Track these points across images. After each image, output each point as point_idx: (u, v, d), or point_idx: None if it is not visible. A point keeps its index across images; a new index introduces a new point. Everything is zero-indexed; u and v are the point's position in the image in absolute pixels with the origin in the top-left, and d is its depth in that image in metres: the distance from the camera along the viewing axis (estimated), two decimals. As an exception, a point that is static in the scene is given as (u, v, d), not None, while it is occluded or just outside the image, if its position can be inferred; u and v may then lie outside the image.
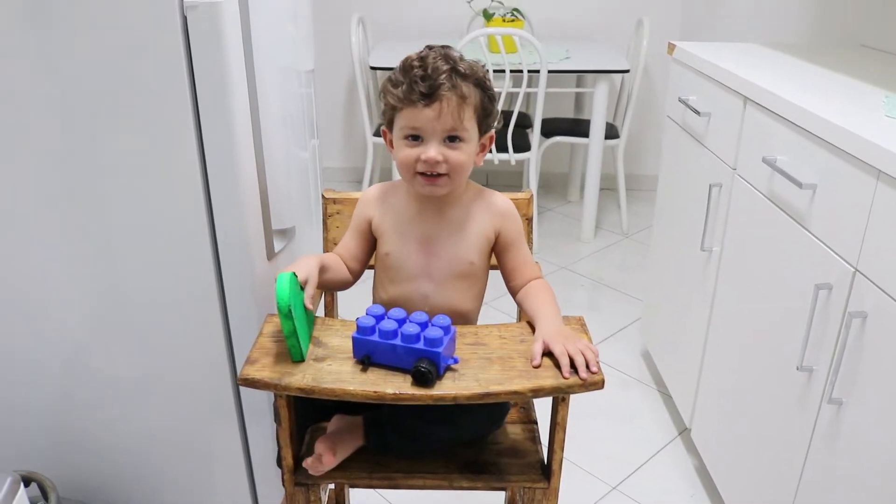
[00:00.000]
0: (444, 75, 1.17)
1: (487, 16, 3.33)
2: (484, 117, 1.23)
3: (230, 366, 1.43)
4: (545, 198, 3.93)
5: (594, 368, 1.10)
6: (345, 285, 1.35)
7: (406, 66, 1.20)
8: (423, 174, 1.21)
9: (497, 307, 2.62)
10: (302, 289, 1.16)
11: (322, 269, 1.23)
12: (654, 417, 2.27)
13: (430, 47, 1.23)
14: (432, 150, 1.19)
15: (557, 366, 1.10)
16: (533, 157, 3.22)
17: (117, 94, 1.24)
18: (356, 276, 1.36)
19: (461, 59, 1.22)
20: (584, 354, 1.10)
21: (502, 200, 1.31)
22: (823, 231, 1.34)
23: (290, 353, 1.12)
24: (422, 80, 1.16)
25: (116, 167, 1.29)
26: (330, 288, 1.37)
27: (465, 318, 1.31)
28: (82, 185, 1.30)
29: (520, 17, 3.37)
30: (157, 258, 1.35)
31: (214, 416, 1.48)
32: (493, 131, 1.27)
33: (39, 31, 1.20)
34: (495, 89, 1.28)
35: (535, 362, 1.11)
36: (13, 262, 1.37)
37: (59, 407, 1.50)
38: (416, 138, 1.20)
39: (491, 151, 3.06)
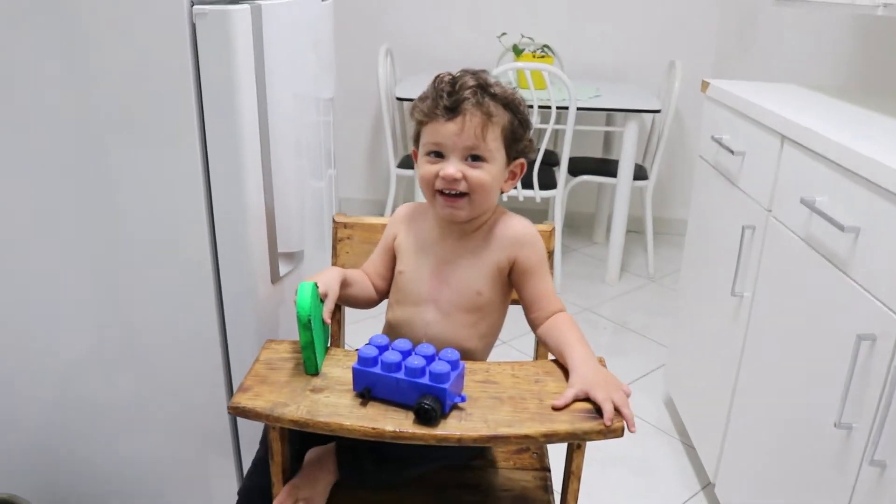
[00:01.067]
0: (469, 90, 1.13)
1: (517, 51, 3.29)
2: (513, 141, 1.17)
3: (227, 392, 1.36)
4: (570, 238, 3.85)
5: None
6: (368, 303, 1.30)
7: (436, 81, 1.17)
8: (442, 193, 1.16)
9: (515, 346, 2.54)
10: (322, 301, 1.12)
11: (344, 284, 1.20)
12: (676, 469, 2.15)
13: (465, 70, 1.18)
14: (451, 167, 1.14)
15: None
16: (559, 196, 3.14)
17: (122, 102, 1.20)
18: (382, 294, 1.31)
19: (496, 82, 1.17)
20: (621, 406, 1.02)
21: (520, 225, 1.23)
22: (867, 277, 1.25)
23: (305, 365, 1.09)
24: (447, 95, 1.13)
25: (117, 177, 1.24)
26: (351, 304, 1.30)
27: (468, 356, 1.22)
28: (79, 199, 1.26)
29: (550, 53, 3.33)
30: (155, 276, 1.29)
31: (209, 442, 1.41)
32: (524, 160, 1.21)
33: (45, 40, 1.16)
34: None
35: (559, 403, 1.02)
36: (11, 279, 1.32)
37: (49, 429, 1.44)
38: (438, 155, 1.16)
39: (516, 188, 3.00)
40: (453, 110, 1.13)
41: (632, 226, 3.62)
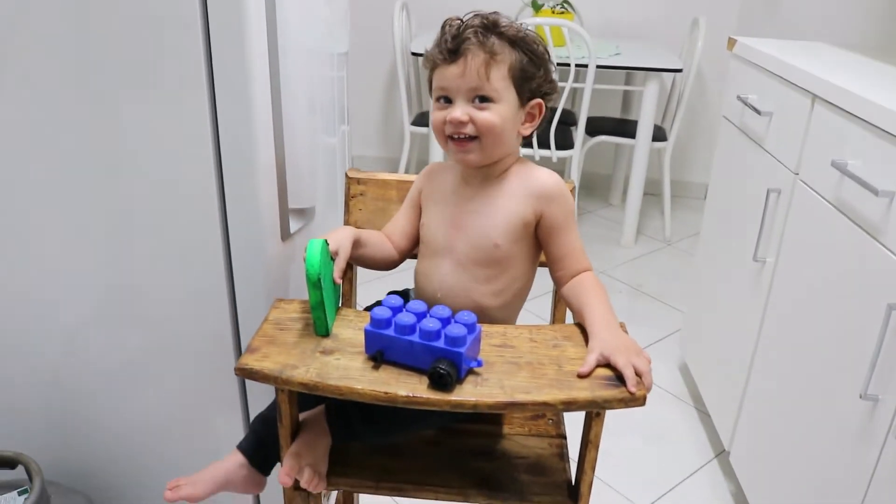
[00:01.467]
0: (471, 30, 1.08)
1: (536, 6, 3.21)
2: (523, 80, 1.11)
3: (235, 352, 1.32)
4: (586, 199, 3.79)
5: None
6: (386, 264, 1.26)
7: (443, 25, 1.13)
8: (452, 139, 1.12)
9: (529, 309, 2.50)
10: (332, 260, 1.09)
11: (357, 244, 1.16)
12: (690, 437, 2.13)
13: (476, 12, 1.13)
14: (457, 110, 1.10)
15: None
16: (575, 156, 3.08)
17: (127, 54, 1.15)
18: (403, 253, 1.27)
19: (509, 23, 1.11)
20: (643, 373, 0.98)
21: (548, 178, 1.16)
22: (900, 244, 1.20)
23: (315, 325, 1.05)
24: (451, 38, 1.09)
25: (122, 130, 1.20)
26: (367, 265, 1.26)
27: (484, 314, 1.16)
28: (83, 156, 1.22)
29: (570, 10, 3.24)
30: (161, 232, 1.25)
31: (216, 403, 1.38)
32: (541, 100, 1.15)
33: (56, 5, 1.12)
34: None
35: (584, 370, 0.98)
36: (13, 236, 1.28)
37: (54, 388, 1.41)
38: (447, 100, 1.12)
39: (532, 146, 2.94)
40: (455, 52, 1.09)
41: (649, 188, 3.55)
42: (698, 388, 2.19)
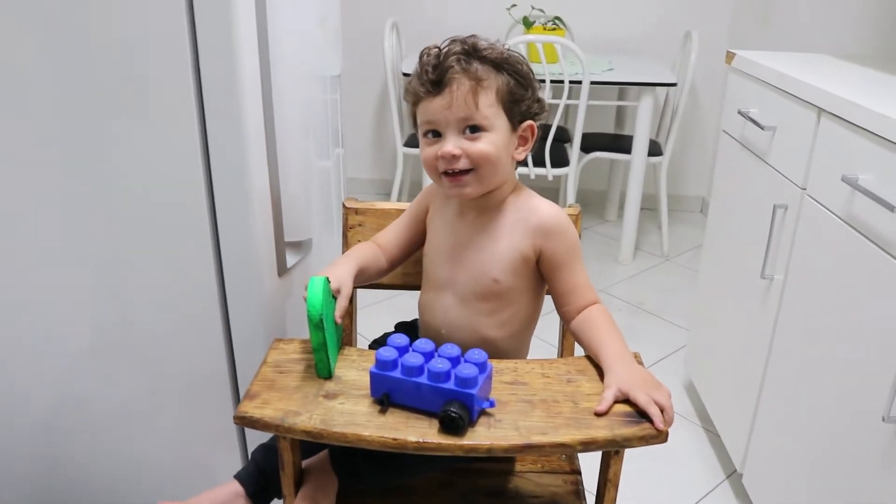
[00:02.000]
0: (453, 57, 1.03)
1: (527, 24, 3.18)
2: (512, 104, 1.06)
3: (232, 391, 1.27)
4: (582, 216, 3.75)
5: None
6: (378, 276, 1.21)
7: (422, 56, 1.07)
8: (447, 174, 1.06)
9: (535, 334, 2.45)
10: (334, 297, 1.03)
11: (358, 274, 1.11)
12: (700, 457, 2.08)
13: (453, 38, 1.08)
14: (449, 144, 1.04)
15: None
16: (571, 173, 3.04)
17: (115, 82, 1.11)
18: (394, 263, 1.22)
19: (488, 45, 1.06)
20: (666, 407, 0.94)
21: (548, 212, 1.11)
22: (920, 262, 1.16)
23: (317, 368, 1.00)
24: (432, 69, 1.03)
25: (111, 163, 1.16)
26: (361, 285, 1.22)
27: (491, 346, 1.11)
28: (72, 188, 1.17)
29: (561, 26, 3.22)
30: (153, 270, 1.21)
31: (214, 443, 1.33)
32: (532, 122, 1.10)
33: (41, 17, 1.08)
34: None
35: (602, 408, 0.93)
36: (2, 274, 1.23)
37: (45, 432, 1.36)
38: (435, 134, 1.06)
39: (527, 165, 2.90)
40: (439, 83, 1.03)
41: (644, 203, 3.51)
42: (706, 407, 2.14)
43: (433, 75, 1.03)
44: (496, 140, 1.05)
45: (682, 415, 2.26)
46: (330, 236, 1.57)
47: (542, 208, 1.11)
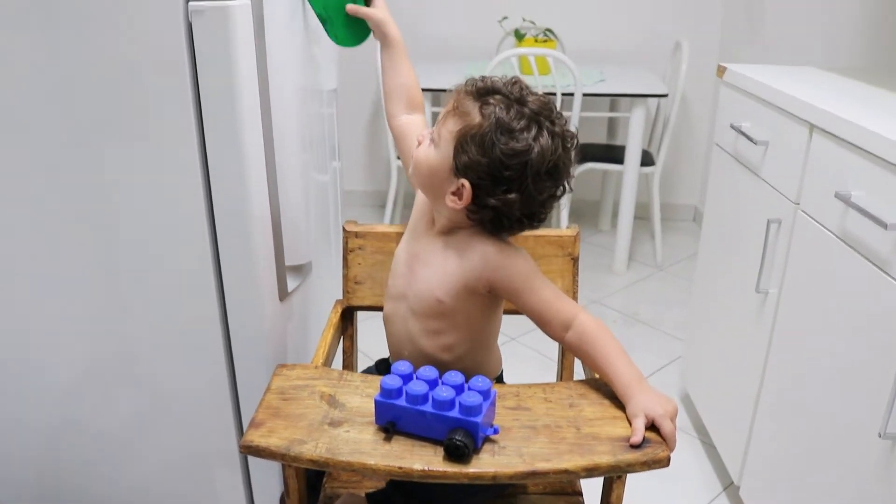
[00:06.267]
0: (470, 82, 1.05)
1: (519, 36, 3.20)
2: (461, 150, 1.01)
3: (235, 418, 1.27)
4: (575, 226, 3.77)
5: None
6: (399, 74, 1.32)
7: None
8: None
9: (524, 342, 2.46)
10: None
11: (393, 35, 1.31)
12: (696, 469, 2.09)
13: (517, 81, 1.07)
14: (425, 129, 1.13)
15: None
16: (564, 184, 3.05)
17: (114, 107, 1.11)
18: (415, 102, 1.31)
19: (511, 95, 1.02)
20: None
21: (490, 248, 1.07)
22: (914, 280, 1.17)
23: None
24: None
25: (110, 189, 1.16)
26: (388, 68, 1.34)
27: (443, 367, 1.05)
28: (72, 212, 1.18)
29: (552, 37, 3.23)
30: (154, 297, 1.21)
31: (217, 469, 1.33)
32: (467, 182, 1.02)
33: (37, 40, 1.08)
34: None
35: (637, 439, 0.93)
36: (5, 298, 1.24)
37: (44, 457, 1.35)
38: None
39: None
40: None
41: (637, 212, 3.53)
42: (702, 419, 2.15)
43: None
44: (432, 158, 1.06)
45: (678, 427, 2.26)
46: (328, 256, 1.58)
47: (487, 244, 1.08)
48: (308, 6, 1.29)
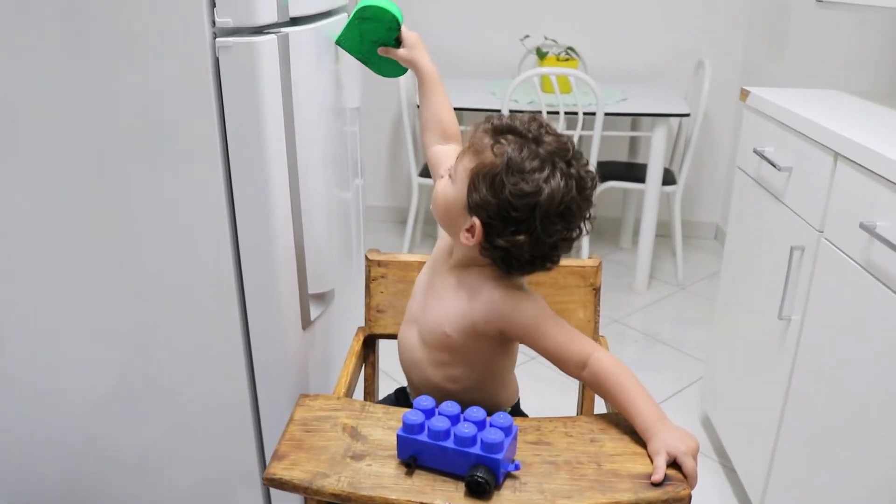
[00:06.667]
0: (488, 120, 1.05)
1: (541, 54, 3.20)
2: (474, 189, 1.01)
3: (258, 447, 1.28)
4: (596, 244, 3.76)
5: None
6: (441, 119, 1.33)
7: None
8: None
9: (545, 363, 2.45)
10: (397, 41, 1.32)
11: (429, 73, 1.34)
12: (716, 493, 2.07)
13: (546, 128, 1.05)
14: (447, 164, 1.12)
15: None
16: (585, 203, 3.05)
17: (143, 138, 1.13)
18: (451, 132, 1.32)
19: (528, 134, 1.01)
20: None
21: (497, 296, 1.07)
22: (940, 315, 1.16)
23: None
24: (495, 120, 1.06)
25: (138, 218, 1.18)
26: (425, 99, 1.37)
27: (447, 397, 1.07)
28: (99, 241, 1.19)
29: (574, 56, 3.23)
30: (180, 323, 1.22)
31: (238, 495, 1.34)
32: (478, 221, 1.02)
33: (69, 75, 1.10)
34: None
35: (658, 477, 0.93)
36: (27, 325, 1.25)
37: (69, 476, 1.37)
38: None
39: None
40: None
41: (658, 230, 3.52)
42: (722, 442, 2.13)
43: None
44: (448, 194, 1.06)
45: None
46: (350, 280, 1.58)
47: (495, 291, 1.08)
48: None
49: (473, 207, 1.02)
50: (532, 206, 0.98)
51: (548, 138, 1.01)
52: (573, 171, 1.00)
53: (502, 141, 1.00)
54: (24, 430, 1.36)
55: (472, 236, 1.03)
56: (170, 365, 1.25)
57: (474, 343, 1.10)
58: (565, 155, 1.00)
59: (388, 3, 1.29)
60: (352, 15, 1.30)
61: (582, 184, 1.01)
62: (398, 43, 1.33)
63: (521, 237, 1.00)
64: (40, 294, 1.25)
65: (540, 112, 2.84)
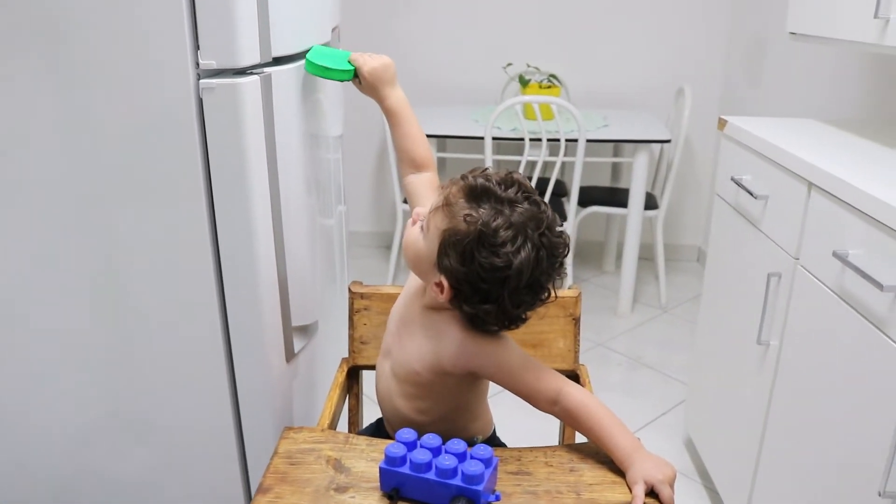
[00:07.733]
0: (464, 178, 1.03)
1: (523, 82, 3.24)
2: (444, 251, 1.00)
3: (243, 485, 1.30)
4: (580, 268, 3.79)
5: None
6: (413, 152, 1.28)
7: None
8: None
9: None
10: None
11: (398, 103, 1.32)
12: (700, 517, 2.09)
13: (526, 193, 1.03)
14: (421, 209, 1.08)
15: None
16: (569, 228, 3.09)
17: (127, 177, 1.15)
18: (424, 160, 1.28)
19: (504, 199, 1.00)
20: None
21: (467, 340, 1.07)
22: (910, 341, 1.19)
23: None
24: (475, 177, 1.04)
25: (123, 256, 1.19)
26: (395, 133, 1.32)
27: (418, 428, 1.07)
28: (83, 278, 1.21)
29: (556, 83, 3.28)
30: (165, 356, 1.23)
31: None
32: (445, 282, 1.02)
33: (53, 114, 1.12)
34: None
35: None
36: (13, 353, 1.26)
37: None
38: None
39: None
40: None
41: (641, 253, 3.55)
42: (705, 464, 2.16)
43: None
44: (420, 246, 1.05)
45: (681, 472, 2.27)
46: (334, 310, 1.60)
47: (464, 336, 1.08)
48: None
49: (443, 269, 1.02)
50: (502, 280, 0.98)
51: (522, 205, 0.99)
52: (545, 240, 0.99)
53: (475, 208, 0.99)
54: (9, 461, 1.36)
55: (441, 293, 1.03)
56: (155, 398, 1.26)
57: (444, 380, 1.11)
58: (539, 224, 0.99)
59: (334, 60, 1.27)
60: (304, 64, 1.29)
61: (553, 252, 1.01)
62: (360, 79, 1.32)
63: (489, 306, 1.01)
64: (26, 327, 1.26)
65: (522, 139, 2.88)
